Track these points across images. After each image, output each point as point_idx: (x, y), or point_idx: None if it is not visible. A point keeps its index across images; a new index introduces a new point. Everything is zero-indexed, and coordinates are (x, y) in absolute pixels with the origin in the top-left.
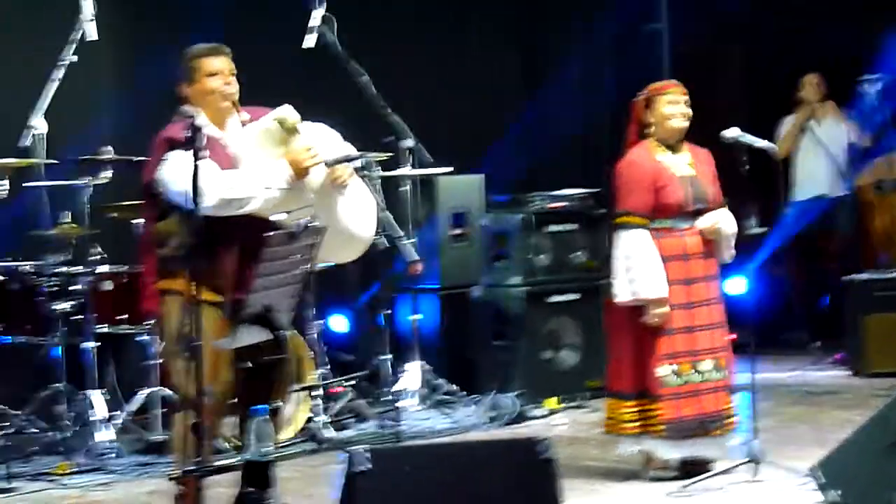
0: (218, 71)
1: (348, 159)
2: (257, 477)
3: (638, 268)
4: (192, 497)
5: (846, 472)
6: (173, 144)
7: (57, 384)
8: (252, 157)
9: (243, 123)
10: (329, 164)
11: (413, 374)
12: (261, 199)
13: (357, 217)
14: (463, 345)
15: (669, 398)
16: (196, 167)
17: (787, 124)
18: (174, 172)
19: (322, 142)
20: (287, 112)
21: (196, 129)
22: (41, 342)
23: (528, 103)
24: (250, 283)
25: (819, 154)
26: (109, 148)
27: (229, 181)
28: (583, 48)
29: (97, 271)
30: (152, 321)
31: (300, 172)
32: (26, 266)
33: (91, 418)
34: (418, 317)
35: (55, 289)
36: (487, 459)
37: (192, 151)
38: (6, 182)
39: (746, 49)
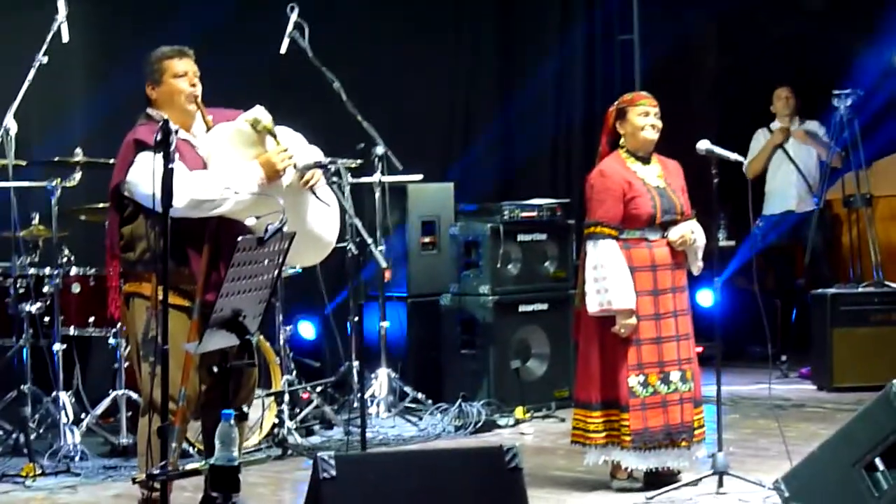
0: (183, 72)
1: (320, 165)
2: (223, 482)
3: (608, 278)
4: (156, 501)
5: (810, 486)
6: (142, 146)
7: (23, 386)
8: (223, 158)
9: (208, 125)
10: (299, 170)
11: (380, 382)
12: (232, 201)
13: (322, 220)
14: (431, 353)
15: (636, 409)
16: (168, 169)
17: (759, 138)
18: (143, 174)
19: (293, 143)
20: (260, 113)
21: (168, 132)
22: (8, 343)
23: (499, 113)
24: (219, 286)
25: (789, 169)
26: (79, 150)
27: (200, 183)
28: (555, 58)
29: (65, 273)
30: (119, 324)
31: (272, 175)
32: None
33: (57, 421)
34: (386, 324)
35: (22, 290)
36: (454, 467)
37: (162, 153)
38: None
39: (718, 61)
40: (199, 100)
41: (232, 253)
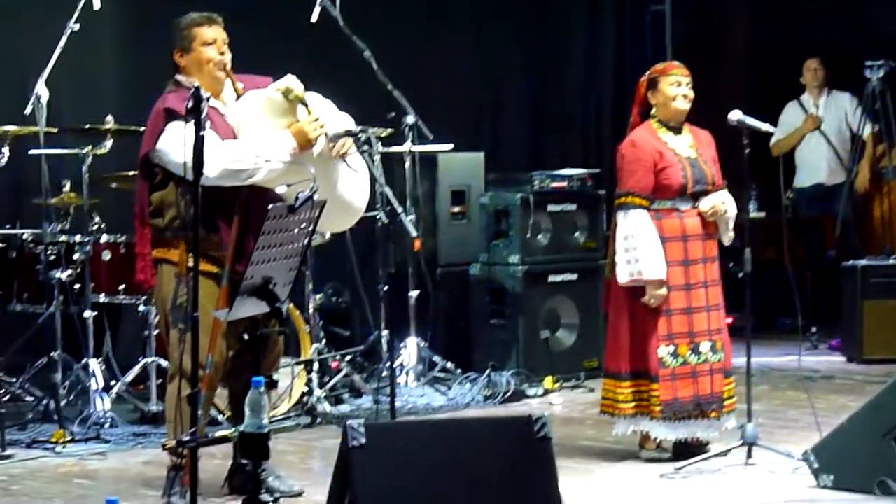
0: (213, 40)
1: (350, 134)
2: (252, 449)
3: (638, 249)
4: (186, 467)
5: (840, 457)
6: (172, 115)
7: (53, 353)
8: (254, 126)
9: (238, 93)
10: (330, 139)
11: (410, 351)
12: (265, 171)
13: (352, 187)
14: (460, 322)
15: (666, 379)
16: (199, 137)
17: (790, 111)
18: (174, 143)
19: (325, 112)
20: (292, 82)
21: (199, 100)
22: (38, 310)
23: (530, 83)
24: (249, 254)
25: (819, 141)
26: (110, 118)
27: (233, 152)
28: (586, 28)
29: (96, 241)
30: (149, 291)
31: (304, 144)
32: (25, 234)
33: (87, 388)
34: (416, 293)
35: (53, 257)
36: (483, 437)
37: (193, 122)
38: (6, 149)
39: (749, 31)
40: (229, 67)
41: (262, 221)
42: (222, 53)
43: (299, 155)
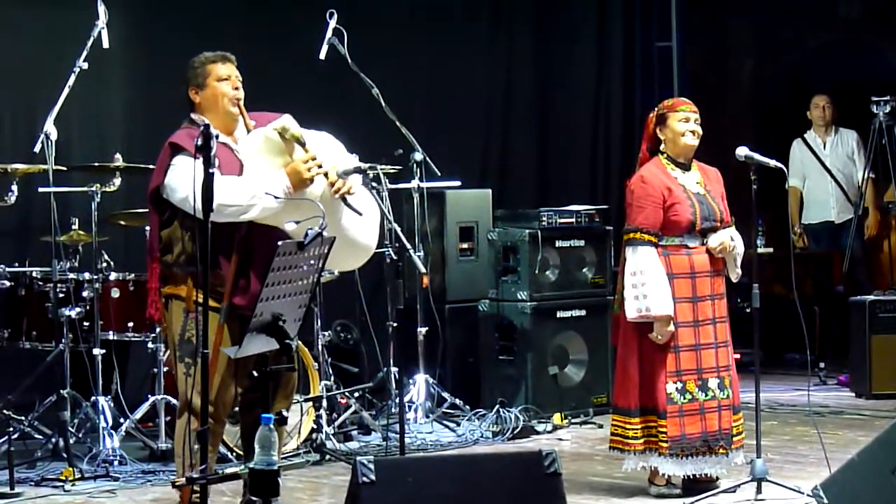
0: (227, 76)
1: (359, 171)
2: (262, 486)
3: (646, 285)
4: None
5: (849, 493)
6: (177, 150)
7: (62, 390)
8: (253, 164)
9: (249, 129)
10: (340, 176)
11: (418, 387)
12: (258, 208)
13: (359, 226)
14: (469, 359)
15: (674, 415)
16: (208, 174)
17: (795, 151)
18: (180, 178)
19: (326, 152)
20: (288, 122)
21: (208, 136)
22: (47, 348)
23: (538, 119)
24: (249, 290)
25: (825, 179)
26: (119, 156)
27: (227, 188)
28: (593, 64)
29: (105, 278)
30: (159, 328)
31: (298, 183)
32: (34, 272)
33: (96, 425)
34: (424, 330)
35: (62, 295)
36: (493, 472)
37: (201, 158)
38: (14, 187)
39: (756, 68)
40: (242, 104)
41: (266, 258)
42: (236, 89)
43: (293, 194)
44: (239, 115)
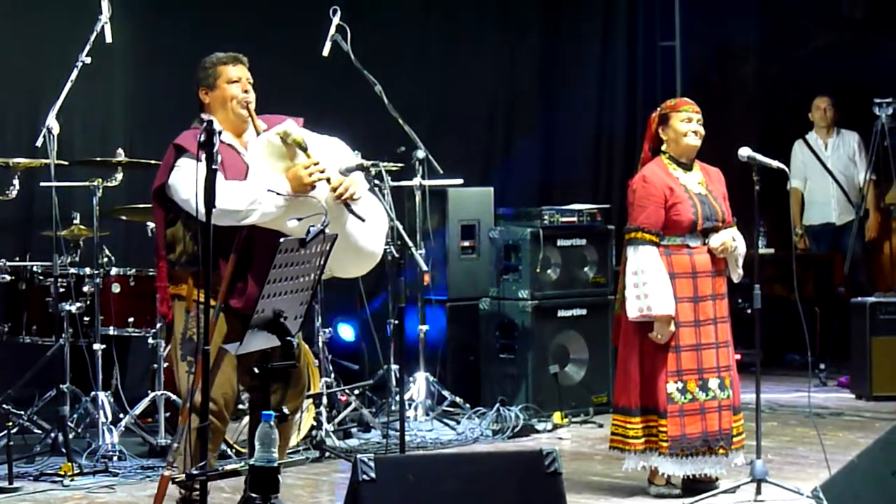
0: (237, 78)
1: (361, 168)
2: (262, 483)
3: (647, 284)
4: (195, 501)
5: (849, 494)
6: (181, 151)
7: (62, 385)
8: (257, 169)
9: (258, 132)
10: (342, 173)
11: (418, 385)
12: (258, 213)
13: (364, 232)
14: (469, 357)
15: (674, 415)
16: (212, 171)
17: (797, 152)
18: (183, 179)
19: (331, 157)
20: (289, 126)
21: (211, 133)
22: (47, 343)
23: (540, 118)
24: (247, 292)
25: (827, 182)
26: (121, 151)
27: (228, 192)
28: (596, 64)
29: (106, 273)
30: (159, 325)
31: (299, 189)
32: (35, 266)
33: (96, 420)
34: (425, 328)
35: (63, 290)
36: (493, 471)
37: (205, 155)
38: (16, 181)
39: (759, 68)
40: (252, 107)
41: (266, 262)
42: (246, 91)
43: (295, 199)
44: (248, 118)
